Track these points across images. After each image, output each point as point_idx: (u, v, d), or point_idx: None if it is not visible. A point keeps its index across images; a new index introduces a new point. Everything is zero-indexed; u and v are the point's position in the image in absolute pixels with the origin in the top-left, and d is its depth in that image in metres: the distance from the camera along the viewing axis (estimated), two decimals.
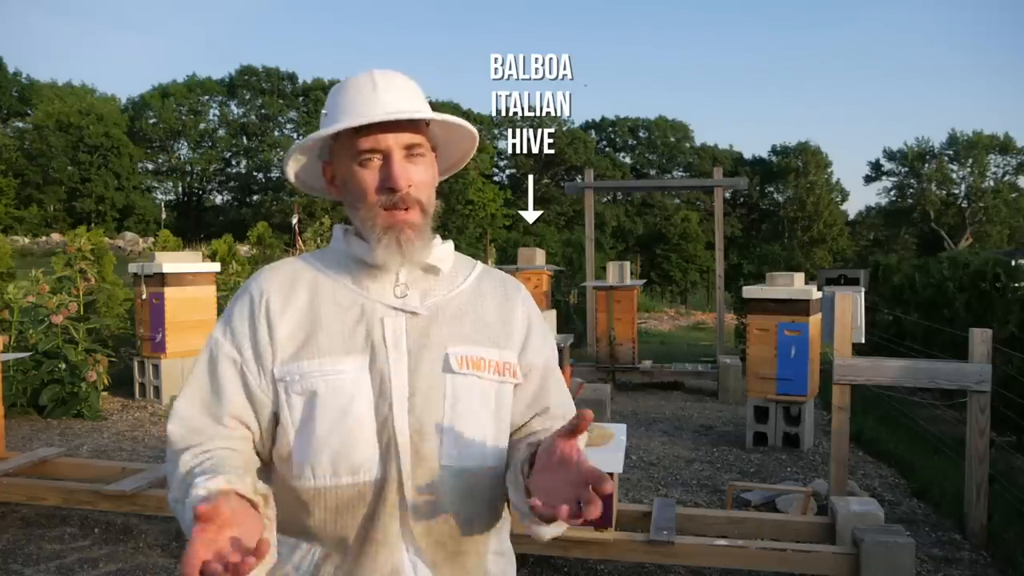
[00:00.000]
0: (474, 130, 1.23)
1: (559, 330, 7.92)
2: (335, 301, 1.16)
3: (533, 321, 1.26)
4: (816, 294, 5.88)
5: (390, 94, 1.14)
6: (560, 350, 6.86)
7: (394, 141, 1.12)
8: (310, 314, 1.15)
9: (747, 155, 46.67)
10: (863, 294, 5.38)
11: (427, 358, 1.14)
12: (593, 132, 47.50)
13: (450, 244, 1.25)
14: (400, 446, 1.10)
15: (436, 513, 1.12)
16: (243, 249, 12.96)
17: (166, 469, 1.14)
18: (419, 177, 1.15)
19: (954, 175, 43.56)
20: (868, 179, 45.97)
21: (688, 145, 47.56)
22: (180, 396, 1.17)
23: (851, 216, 46.08)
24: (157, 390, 7.23)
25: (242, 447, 1.13)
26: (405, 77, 1.20)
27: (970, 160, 42.85)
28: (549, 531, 1.09)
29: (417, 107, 1.15)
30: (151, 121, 41.11)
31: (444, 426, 1.12)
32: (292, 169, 1.24)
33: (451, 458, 1.12)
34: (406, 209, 1.13)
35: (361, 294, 1.17)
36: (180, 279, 7.28)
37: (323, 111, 1.20)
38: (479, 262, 1.31)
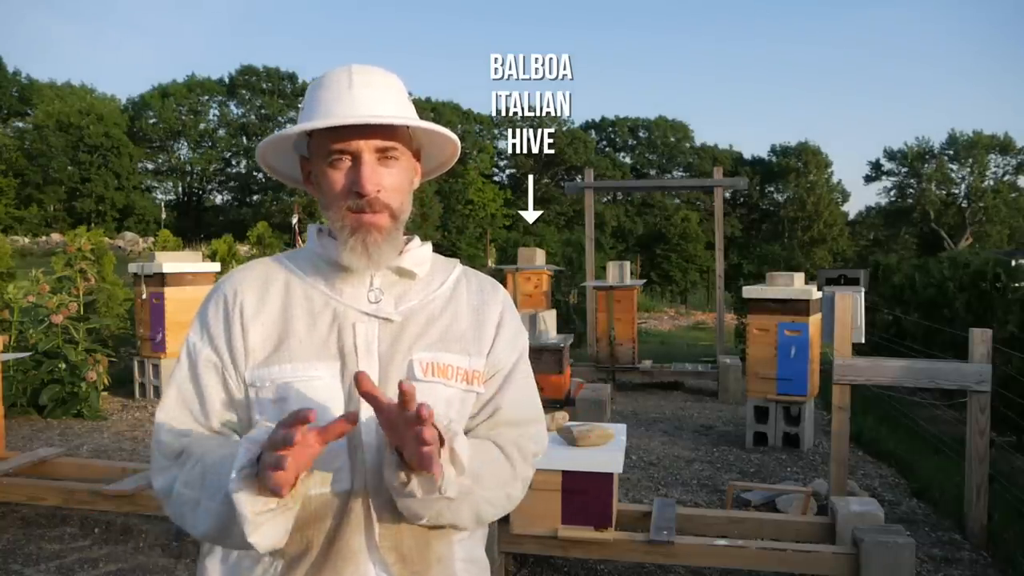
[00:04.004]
0: (453, 136, 1.20)
1: (559, 330, 7.91)
2: (307, 305, 1.14)
3: (505, 320, 1.22)
4: (816, 294, 5.87)
5: (365, 91, 1.11)
6: (560, 350, 6.84)
7: (364, 144, 1.09)
8: (282, 318, 1.13)
9: (747, 155, 46.74)
10: (863, 294, 5.37)
11: (396, 366, 1.11)
12: (593, 132, 47.52)
13: (428, 247, 1.22)
14: (368, 457, 1.07)
15: (402, 526, 1.09)
16: (243, 249, 12.95)
17: (163, 478, 1.10)
18: (390, 181, 1.12)
19: (954, 175, 43.58)
20: (868, 179, 46.03)
21: (688, 145, 47.59)
22: (161, 408, 1.13)
23: (851, 216, 46.13)
24: (157, 390, 7.23)
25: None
26: (384, 74, 1.16)
27: (970, 160, 42.86)
28: (416, 502, 1.02)
29: (392, 109, 1.12)
30: (151, 121, 41.11)
31: None
32: (266, 159, 1.24)
33: None
34: (374, 212, 1.10)
35: (334, 298, 1.14)
36: (180, 279, 7.28)
37: (300, 104, 1.18)
38: (459, 264, 1.27)
